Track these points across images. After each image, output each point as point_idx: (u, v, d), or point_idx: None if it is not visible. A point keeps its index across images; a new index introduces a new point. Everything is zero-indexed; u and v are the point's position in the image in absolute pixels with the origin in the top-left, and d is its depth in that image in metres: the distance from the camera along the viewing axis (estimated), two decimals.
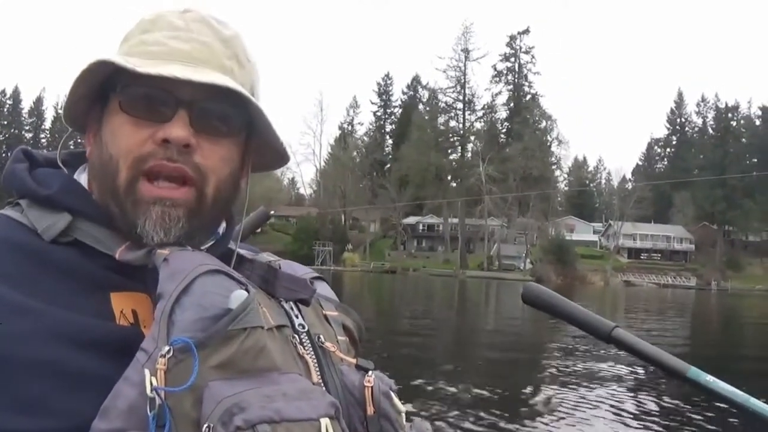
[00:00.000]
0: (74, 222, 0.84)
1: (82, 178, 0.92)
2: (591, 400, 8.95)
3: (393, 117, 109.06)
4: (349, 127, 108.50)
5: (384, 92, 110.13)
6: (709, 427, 7.52)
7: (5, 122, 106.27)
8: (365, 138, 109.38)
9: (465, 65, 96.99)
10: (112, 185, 0.85)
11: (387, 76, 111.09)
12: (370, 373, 0.90)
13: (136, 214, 0.84)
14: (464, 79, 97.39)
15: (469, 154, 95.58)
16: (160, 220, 0.84)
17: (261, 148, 0.98)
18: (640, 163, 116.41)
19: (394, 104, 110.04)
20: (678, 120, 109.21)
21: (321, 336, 0.91)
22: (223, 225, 0.99)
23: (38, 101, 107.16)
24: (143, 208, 0.84)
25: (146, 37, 0.89)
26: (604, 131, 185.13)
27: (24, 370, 0.69)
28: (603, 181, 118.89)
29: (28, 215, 0.85)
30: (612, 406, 8.67)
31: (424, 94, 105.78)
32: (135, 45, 0.89)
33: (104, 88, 0.88)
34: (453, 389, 9.36)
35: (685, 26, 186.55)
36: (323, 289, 1.06)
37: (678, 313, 32.60)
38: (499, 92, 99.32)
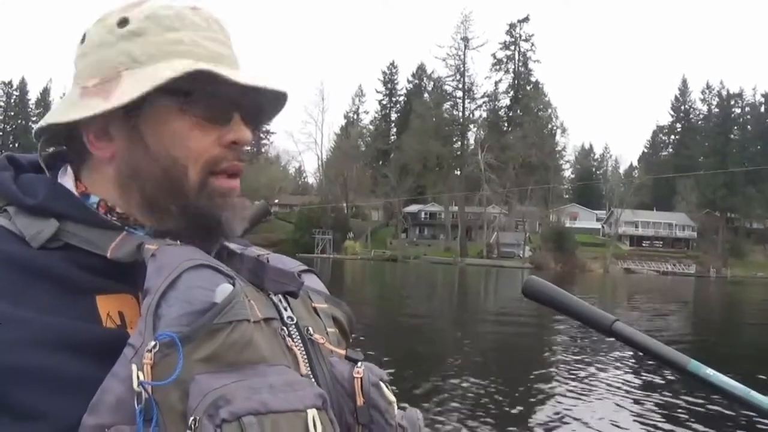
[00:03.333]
0: (62, 226, 0.84)
1: (66, 180, 0.91)
2: (591, 389, 9.11)
3: (398, 106, 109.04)
4: (355, 116, 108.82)
5: (389, 81, 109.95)
6: (710, 419, 7.63)
7: (12, 113, 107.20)
8: (370, 127, 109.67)
9: (464, 54, 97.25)
10: (177, 186, 0.86)
11: (392, 64, 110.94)
12: (359, 364, 0.91)
13: (214, 207, 0.87)
14: (463, 67, 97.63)
15: (470, 143, 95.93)
16: (240, 210, 0.90)
17: None
18: (646, 150, 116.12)
19: (399, 93, 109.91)
20: (682, 107, 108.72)
21: (310, 328, 0.92)
22: None
23: (45, 92, 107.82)
24: (218, 200, 0.88)
25: (178, 36, 0.88)
26: (612, 119, 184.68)
27: (10, 377, 0.69)
28: (609, 169, 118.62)
29: (16, 222, 0.85)
30: (611, 395, 8.82)
31: (430, 83, 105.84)
32: (168, 44, 0.87)
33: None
34: (449, 379, 9.50)
35: (693, 13, 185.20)
36: (313, 281, 1.07)
37: (663, 299, 32.98)
38: (500, 80, 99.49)
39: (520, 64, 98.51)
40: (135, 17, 0.88)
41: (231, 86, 0.85)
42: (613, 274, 73.38)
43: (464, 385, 9.11)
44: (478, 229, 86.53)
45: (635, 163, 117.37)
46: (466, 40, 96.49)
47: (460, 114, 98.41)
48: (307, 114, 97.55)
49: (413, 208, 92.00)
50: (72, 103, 0.87)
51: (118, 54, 0.86)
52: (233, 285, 0.77)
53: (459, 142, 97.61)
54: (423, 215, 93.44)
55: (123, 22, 0.88)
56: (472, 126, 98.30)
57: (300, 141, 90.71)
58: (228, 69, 0.87)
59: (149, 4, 0.90)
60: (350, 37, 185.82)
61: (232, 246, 0.98)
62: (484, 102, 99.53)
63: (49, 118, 0.88)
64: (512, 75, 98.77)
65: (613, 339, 1.11)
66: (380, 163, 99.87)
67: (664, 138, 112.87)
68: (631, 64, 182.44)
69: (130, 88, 0.84)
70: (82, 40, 0.91)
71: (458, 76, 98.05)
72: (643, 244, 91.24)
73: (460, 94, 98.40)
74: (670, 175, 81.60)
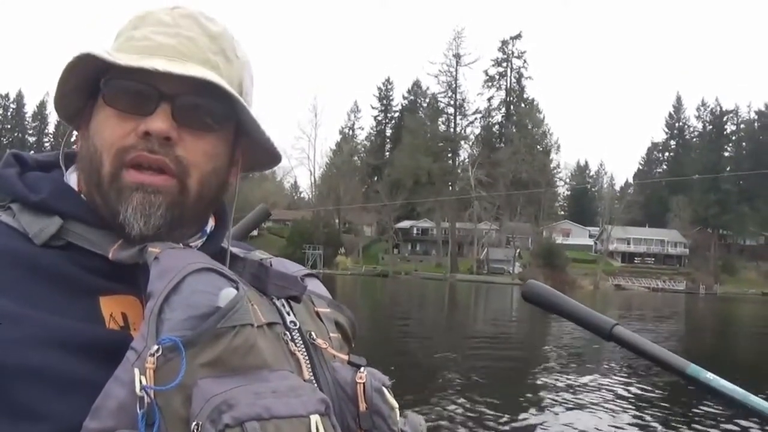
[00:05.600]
0: (66, 225, 0.84)
1: (72, 178, 0.92)
2: (589, 395, 9.20)
3: (393, 122, 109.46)
4: (350, 132, 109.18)
5: (384, 97, 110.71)
6: (708, 422, 7.65)
7: (9, 126, 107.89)
8: (366, 143, 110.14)
9: (456, 70, 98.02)
10: (97, 177, 0.86)
11: (388, 80, 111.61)
12: (362, 369, 0.91)
13: (119, 201, 0.85)
14: (455, 84, 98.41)
15: (464, 159, 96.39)
16: (141, 206, 0.84)
17: (253, 147, 0.98)
18: (641, 167, 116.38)
19: (394, 109, 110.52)
20: (676, 124, 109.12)
21: (313, 333, 0.91)
22: (212, 223, 1.00)
23: (42, 105, 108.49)
24: (126, 194, 0.85)
25: (134, 33, 0.89)
26: (608, 136, 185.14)
27: (13, 377, 0.69)
28: (605, 186, 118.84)
29: (20, 219, 0.85)
30: (611, 400, 8.87)
31: (425, 100, 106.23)
32: (124, 41, 0.89)
33: (94, 82, 0.89)
34: (443, 388, 9.59)
35: (691, 30, 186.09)
36: (315, 286, 1.06)
37: (649, 314, 33.29)
38: (492, 97, 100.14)
39: (513, 80, 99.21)
40: (126, 21, 0.92)
41: (151, 75, 0.84)
42: (603, 291, 73.37)
43: (458, 396, 9.17)
44: (469, 245, 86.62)
45: (631, 180, 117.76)
46: (458, 56, 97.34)
47: (452, 130, 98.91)
48: (300, 130, 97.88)
49: (405, 223, 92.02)
50: None
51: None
52: (237, 289, 0.77)
53: (451, 159, 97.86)
54: (415, 231, 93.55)
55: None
56: (463, 142, 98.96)
57: (292, 156, 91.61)
58: (163, 59, 0.86)
59: (145, 8, 0.92)
60: (346, 53, 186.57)
61: (235, 250, 0.97)
62: (476, 118, 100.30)
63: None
64: (504, 92, 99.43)
65: (611, 344, 1.09)
66: (375, 179, 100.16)
67: (658, 155, 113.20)
68: (628, 80, 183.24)
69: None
70: None
71: (450, 93, 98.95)
72: (635, 261, 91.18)
73: (451, 110, 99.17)
74: (657, 178, 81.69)
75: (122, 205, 0.84)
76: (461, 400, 8.84)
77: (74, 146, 0.98)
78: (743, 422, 7.31)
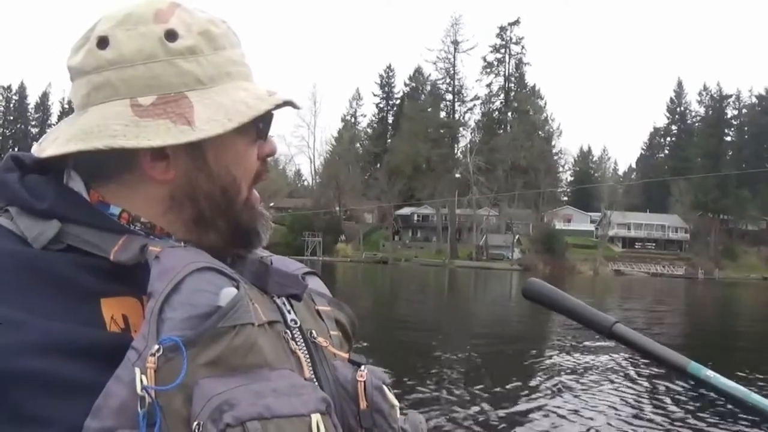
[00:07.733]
0: (65, 227, 0.82)
1: (75, 185, 0.88)
2: (589, 391, 9.11)
3: (395, 109, 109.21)
4: (353, 119, 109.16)
5: (386, 84, 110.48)
6: (709, 420, 7.61)
7: (11, 117, 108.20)
8: (368, 130, 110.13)
9: (454, 57, 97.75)
10: (231, 203, 0.89)
11: (389, 68, 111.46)
12: (362, 367, 0.91)
13: (255, 220, 0.92)
14: (453, 70, 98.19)
15: (464, 145, 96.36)
16: (267, 218, 0.94)
17: None
18: (643, 152, 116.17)
19: (396, 96, 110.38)
20: (678, 109, 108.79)
21: (313, 331, 0.92)
22: None
23: (44, 96, 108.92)
24: (256, 211, 0.93)
25: (227, 54, 0.89)
26: (612, 121, 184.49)
27: (14, 382, 0.68)
28: (609, 172, 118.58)
29: (18, 223, 0.83)
30: (606, 397, 8.78)
31: (427, 86, 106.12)
32: (225, 64, 0.88)
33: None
34: (440, 381, 9.51)
35: (691, 15, 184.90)
36: (316, 284, 1.07)
37: (628, 300, 33.26)
38: (491, 83, 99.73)
39: (512, 67, 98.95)
40: (183, 30, 0.86)
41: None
42: (602, 276, 73.43)
43: (457, 388, 9.12)
44: (468, 231, 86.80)
45: (634, 165, 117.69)
46: (456, 43, 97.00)
47: (450, 117, 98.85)
48: (300, 118, 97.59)
49: (406, 210, 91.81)
50: (133, 124, 0.82)
51: (178, 73, 0.84)
52: (237, 288, 0.77)
53: (449, 145, 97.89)
54: (415, 218, 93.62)
55: (171, 36, 0.85)
56: (462, 129, 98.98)
57: (292, 144, 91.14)
58: (273, 94, 0.90)
59: (186, 14, 0.87)
60: (348, 41, 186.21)
61: None
62: (474, 105, 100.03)
63: (113, 142, 0.81)
64: (503, 78, 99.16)
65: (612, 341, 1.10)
66: (377, 166, 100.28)
67: (660, 140, 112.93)
68: (631, 66, 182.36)
69: (215, 115, 0.84)
70: (104, 45, 0.84)
71: (448, 79, 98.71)
72: (636, 246, 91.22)
73: (450, 96, 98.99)
74: (653, 178, 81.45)
75: (259, 223, 0.93)
76: (459, 391, 8.88)
77: None
78: (743, 420, 7.33)
